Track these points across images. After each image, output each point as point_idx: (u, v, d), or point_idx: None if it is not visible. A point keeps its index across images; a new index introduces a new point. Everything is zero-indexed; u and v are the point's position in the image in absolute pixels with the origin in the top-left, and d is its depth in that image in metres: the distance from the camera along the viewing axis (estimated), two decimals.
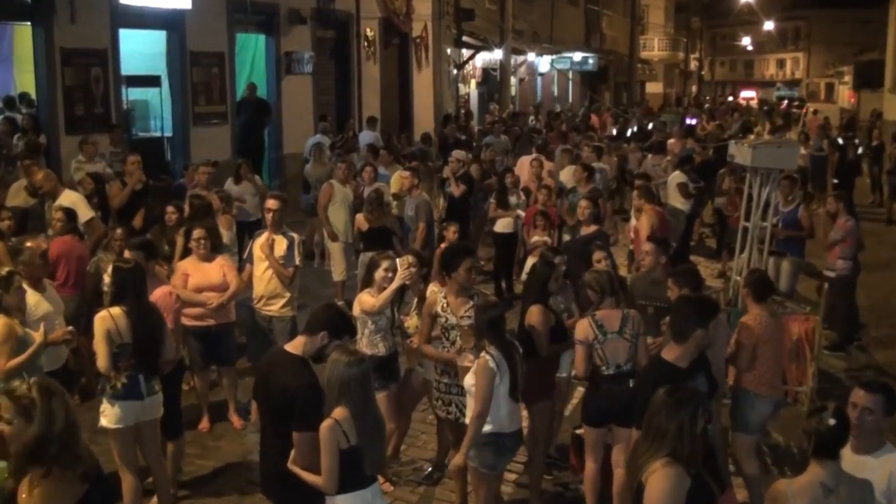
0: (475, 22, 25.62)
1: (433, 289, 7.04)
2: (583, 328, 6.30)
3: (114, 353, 5.93)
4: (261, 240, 8.43)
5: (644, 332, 6.37)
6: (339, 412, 4.56)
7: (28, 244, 7.01)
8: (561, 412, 7.62)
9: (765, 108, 41.68)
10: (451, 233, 9.64)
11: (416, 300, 7.05)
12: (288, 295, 8.27)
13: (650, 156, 16.45)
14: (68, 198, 9.51)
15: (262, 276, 8.32)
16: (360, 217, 10.97)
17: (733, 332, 6.79)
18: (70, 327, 6.69)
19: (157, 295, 6.75)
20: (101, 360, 5.98)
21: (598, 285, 6.40)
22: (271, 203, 8.48)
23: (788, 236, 10.86)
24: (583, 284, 6.65)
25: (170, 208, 9.28)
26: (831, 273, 10.49)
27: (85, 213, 9.38)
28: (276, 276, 8.26)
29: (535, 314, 6.51)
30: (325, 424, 4.55)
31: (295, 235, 8.48)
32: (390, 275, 6.95)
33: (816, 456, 4.17)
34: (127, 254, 6.98)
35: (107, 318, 5.96)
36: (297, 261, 8.39)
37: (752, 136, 18.10)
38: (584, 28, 38.88)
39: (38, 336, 6.01)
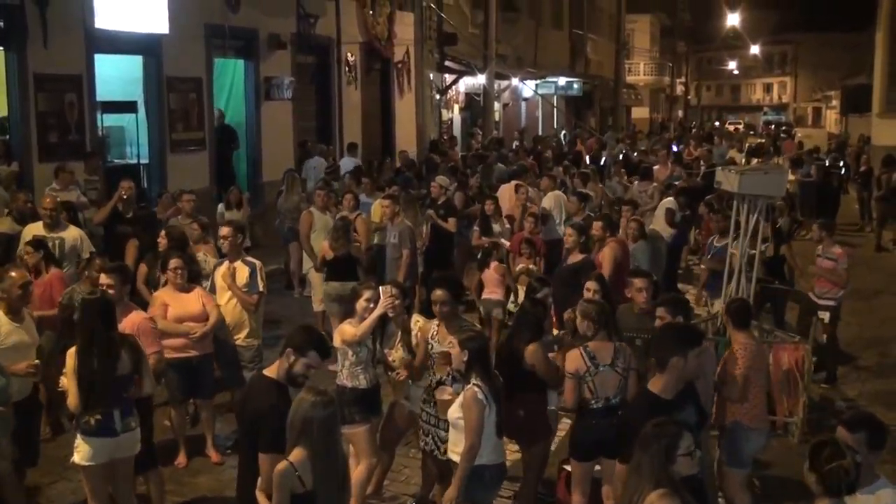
0: (458, 46, 25.80)
1: (417, 319, 7.04)
2: (574, 360, 6.29)
3: (84, 389, 5.89)
4: (222, 269, 8.51)
5: (636, 365, 6.38)
6: (296, 454, 4.39)
7: (12, 273, 6.97)
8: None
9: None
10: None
11: (399, 332, 7.04)
12: (251, 325, 8.35)
13: (636, 182, 16.54)
14: (72, 233, 9.68)
15: (227, 305, 8.38)
16: (324, 245, 10.99)
17: (720, 362, 6.81)
18: (36, 361, 6.66)
19: (135, 321, 6.73)
20: (72, 397, 5.95)
21: (595, 316, 6.40)
22: (224, 231, 8.60)
23: (714, 271, 10.62)
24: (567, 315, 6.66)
25: (162, 233, 9.32)
26: (830, 302, 10.52)
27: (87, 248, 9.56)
28: (241, 305, 8.32)
29: (535, 353, 6.49)
30: (279, 466, 4.40)
31: (256, 262, 8.58)
32: (372, 305, 6.94)
33: (830, 494, 4.20)
34: (103, 278, 6.97)
35: (75, 353, 5.93)
36: (261, 286, 8.45)
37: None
38: (569, 52, 39.19)
39: None
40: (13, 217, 10.20)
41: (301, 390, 4.62)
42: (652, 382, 5.41)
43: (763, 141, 29.33)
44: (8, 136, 13.84)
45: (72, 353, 5.96)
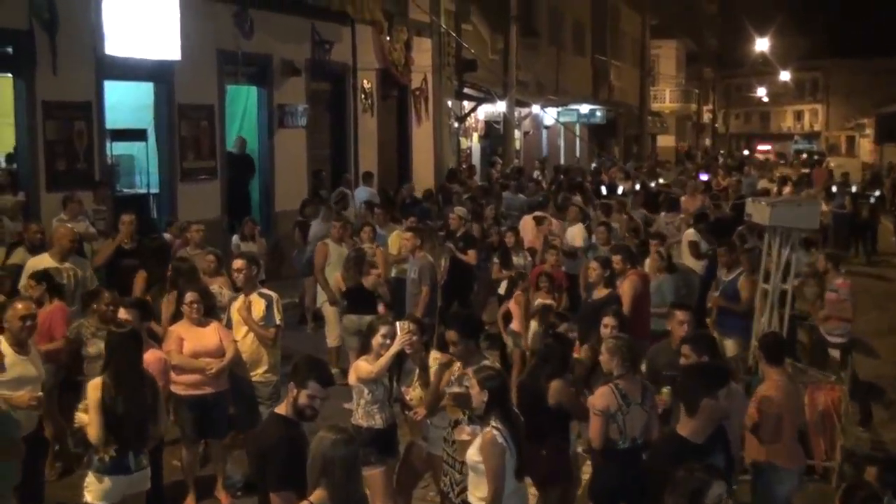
0: (477, 73, 25.92)
1: (435, 356, 7.02)
2: (605, 397, 6.23)
3: (109, 424, 5.93)
4: (237, 303, 8.53)
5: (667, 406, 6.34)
6: (317, 495, 4.40)
7: (17, 304, 7.02)
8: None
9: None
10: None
11: (417, 370, 7.03)
12: (269, 360, 8.33)
13: (663, 213, 16.53)
14: (83, 264, 9.83)
15: (243, 340, 8.39)
16: (336, 276, 11.06)
17: (752, 400, 6.75)
18: (39, 393, 6.70)
19: (149, 360, 6.76)
20: (94, 431, 5.98)
21: (626, 353, 6.37)
22: (238, 263, 8.63)
23: (725, 308, 10.57)
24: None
25: (172, 265, 9.38)
26: (839, 339, 10.41)
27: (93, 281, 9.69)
28: (258, 339, 8.32)
29: (560, 390, 6.46)
30: None
31: (273, 294, 8.59)
32: (388, 341, 6.95)
33: None
34: (122, 313, 7.01)
35: (100, 386, 5.96)
36: (278, 320, 8.46)
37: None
38: (592, 79, 39.31)
39: None
40: (25, 248, 10.27)
41: (321, 428, 4.64)
42: (680, 425, 5.37)
43: (793, 171, 29.26)
44: (15, 165, 14.00)
45: (95, 385, 6.01)
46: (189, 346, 7.90)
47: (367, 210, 15.10)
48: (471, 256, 12.92)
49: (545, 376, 6.53)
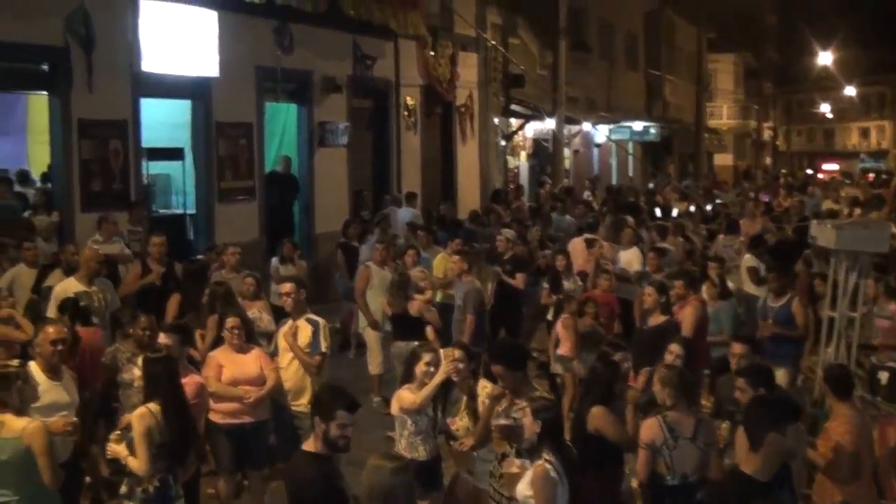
0: (525, 89, 25.95)
1: (484, 385, 7.00)
2: (651, 429, 6.21)
3: (153, 453, 5.98)
4: (284, 328, 8.54)
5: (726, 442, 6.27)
6: None
7: (48, 328, 7.12)
8: None
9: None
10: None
11: (464, 399, 7.01)
12: (313, 389, 8.28)
13: (721, 236, 16.40)
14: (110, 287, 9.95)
15: (288, 367, 8.41)
16: (382, 301, 11.16)
17: (821, 436, 6.65)
18: (73, 419, 6.77)
19: (186, 385, 6.83)
20: (141, 462, 6.04)
21: (677, 384, 6.32)
22: (286, 287, 8.68)
23: (779, 335, 10.43)
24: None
25: (209, 289, 9.44)
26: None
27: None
28: (303, 367, 8.33)
29: (599, 417, 6.43)
30: None
31: (320, 320, 8.61)
32: (432, 369, 6.95)
33: None
34: (162, 337, 7.08)
35: (147, 415, 6.07)
36: (324, 347, 8.49)
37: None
38: (645, 95, 39.19)
39: None
40: (62, 270, 10.41)
41: (371, 457, 4.67)
42: (744, 462, 5.31)
43: (860, 191, 28.77)
44: (50, 185, 14.22)
45: (142, 415, 6.07)
46: (228, 373, 7.94)
47: (410, 232, 15.16)
48: (519, 280, 12.90)
49: (587, 403, 6.52)
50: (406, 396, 6.92)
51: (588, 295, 11.67)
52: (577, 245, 14.70)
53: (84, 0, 13.11)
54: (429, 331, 10.78)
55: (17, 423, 5.93)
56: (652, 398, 6.67)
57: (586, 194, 26.30)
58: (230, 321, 8.12)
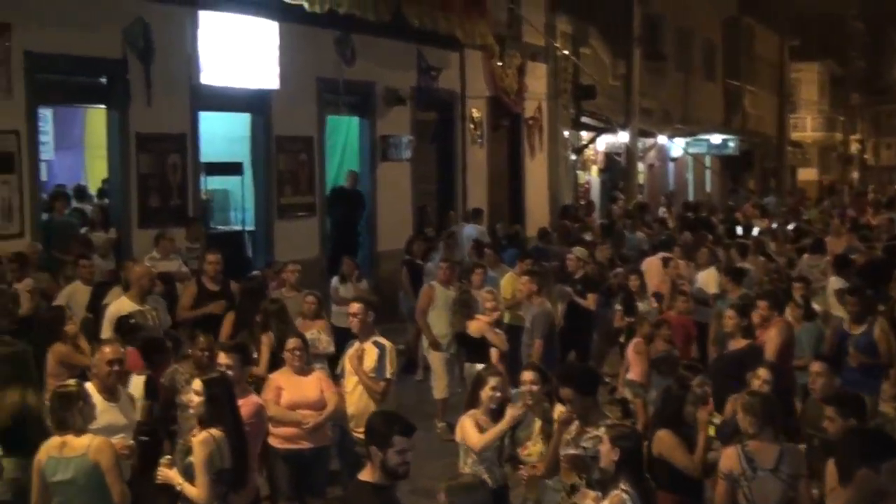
0: (597, 100, 25.85)
1: (561, 409, 6.95)
2: (729, 459, 6.14)
3: (213, 480, 6.06)
4: (351, 350, 8.56)
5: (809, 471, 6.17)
6: None
7: (104, 348, 7.23)
8: None
9: None
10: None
11: (539, 423, 6.96)
12: None
13: (806, 255, 16.17)
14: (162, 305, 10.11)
15: (353, 391, 8.43)
16: (446, 322, 11.25)
17: None
18: (130, 441, 6.86)
19: (245, 406, 6.87)
20: (202, 490, 6.10)
21: (760, 411, 6.23)
22: (355, 307, 8.67)
23: (864, 364, 10.11)
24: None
25: (262, 306, 9.55)
26: None
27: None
28: (367, 392, 8.35)
29: (662, 440, 6.38)
30: None
31: (387, 343, 8.60)
32: (498, 394, 6.93)
33: None
34: (222, 357, 7.14)
35: (210, 441, 6.11)
36: (389, 373, 8.47)
37: None
38: (724, 106, 38.82)
39: None
40: (122, 287, 10.56)
41: (444, 480, 4.70)
42: (832, 497, 5.22)
43: None
44: (107, 200, 14.47)
45: (204, 441, 6.13)
46: (287, 396, 7.97)
47: (475, 250, 15.15)
48: (590, 301, 12.83)
49: (655, 426, 6.47)
50: (469, 434, 6.88)
51: (663, 317, 11.55)
52: (652, 264, 14.57)
53: (143, 12, 13.37)
54: (493, 353, 10.77)
55: (80, 442, 6.04)
56: (737, 427, 6.59)
57: (661, 211, 26.06)
58: (291, 342, 8.15)
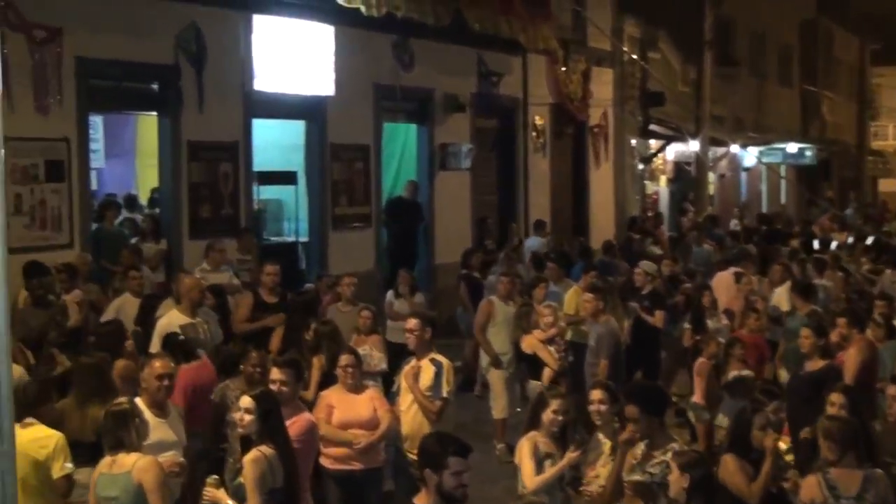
0: (665, 107, 25.72)
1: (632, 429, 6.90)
2: (810, 489, 6.07)
3: (265, 501, 6.09)
4: (407, 368, 8.56)
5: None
6: None
7: (155, 363, 7.32)
8: None
9: None
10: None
11: (608, 444, 6.91)
12: None
13: (889, 271, 15.93)
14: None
15: (408, 410, 8.41)
16: (505, 338, 11.28)
17: None
18: (181, 459, 6.92)
19: (298, 424, 6.90)
20: None
21: (840, 436, 6.14)
22: (412, 323, 8.66)
23: None
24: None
25: (314, 326, 9.56)
26: None
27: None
28: (422, 412, 8.35)
29: (725, 465, 6.32)
30: None
31: (444, 361, 8.58)
32: (560, 418, 6.89)
33: None
34: (275, 373, 7.18)
35: (262, 460, 6.15)
36: (446, 392, 8.44)
37: None
38: (800, 113, 38.40)
39: None
40: (174, 300, 10.65)
41: None
42: None
43: None
44: (157, 210, 14.64)
45: (255, 459, 6.16)
46: (339, 415, 7.98)
47: (532, 264, 15.09)
48: (657, 318, 12.72)
49: (721, 450, 6.43)
50: (525, 465, 6.85)
51: (736, 336, 11.41)
52: (723, 280, 14.43)
53: (196, 16, 13.54)
54: (545, 372, 10.73)
55: (127, 459, 6.13)
56: (814, 453, 6.51)
57: (733, 223, 25.83)
58: (344, 358, 8.15)
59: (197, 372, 8.76)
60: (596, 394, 6.94)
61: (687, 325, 12.53)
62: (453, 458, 5.11)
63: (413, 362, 8.52)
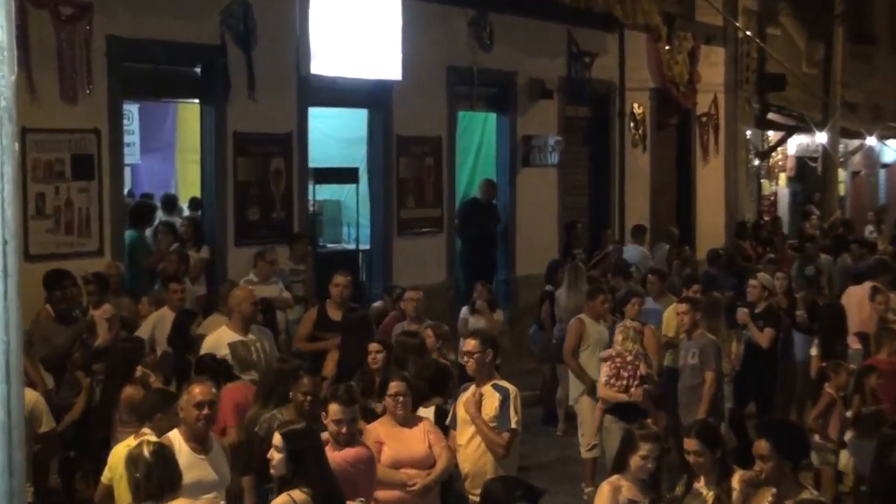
0: (787, 92, 25.47)
1: (741, 475, 6.86)
2: None
3: None
4: (466, 395, 8.53)
5: None
6: None
7: (194, 389, 7.32)
8: None
9: None
10: None
11: (711, 494, 6.85)
12: (497, 474, 8.17)
13: None
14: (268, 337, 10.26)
15: (468, 445, 8.40)
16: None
17: None
18: (222, 502, 6.96)
19: (356, 457, 6.95)
20: None
21: None
22: (471, 344, 8.65)
23: None
24: None
25: (374, 346, 9.53)
26: None
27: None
28: (486, 445, 8.33)
29: None
30: None
31: (510, 387, 8.56)
32: (650, 466, 6.84)
33: None
34: (335, 411, 7.15)
35: None
36: (514, 422, 8.42)
37: None
38: None
39: None
40: (226, 314, 10.73)
41: None
42: None
43: None
44: (200, 213, 14.75)
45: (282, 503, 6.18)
46: (389, 451, 7.92)
47: (620, 275, 14.97)
48: (764, 336, 12.50)
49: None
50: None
51: (871, 362, 11.21)
52: (854, 295, 14.21)
53: None
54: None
55: None
56: None
57: (869, 230, 25.44)
58: (393, 385, 8.07)
59: (243, 392, 8.85)
60: (690, 443, 6.85)
61: (813, 352, 12.40)
62: None
63: (472, 389, 8.50)
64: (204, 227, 14.10)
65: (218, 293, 11.84)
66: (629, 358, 10.82)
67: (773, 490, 6.30)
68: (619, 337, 10.97)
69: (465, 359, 8.74)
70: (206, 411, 7.15)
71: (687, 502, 6.90)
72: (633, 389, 10.68)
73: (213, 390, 7.47)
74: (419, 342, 9.84)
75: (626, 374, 10.75)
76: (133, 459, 6.16)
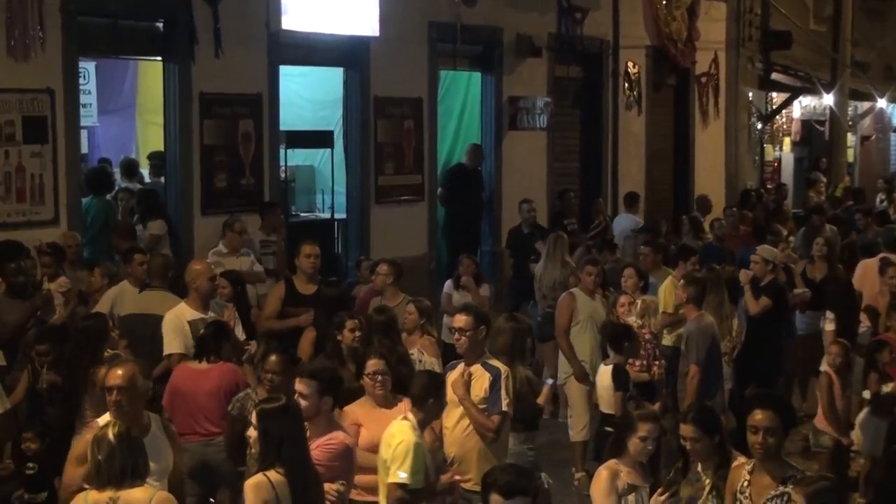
0: (792, 51, 25.47)
1: (742, 461, 6.90)
2: None
3: None
4: (454, 374, 8.53)
5: None
6: None
7: (101, 371, 7.42)
8: None
9: None
10: None
11: (709, 481, 6.91)
12: (487, 459, 8.22)
13: None
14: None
15: (455, 428, 8.44)
16: (591, 342, 11.38)
17: None
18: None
19: (329, 447, 6.96)
20: None
21: None
22: (461, 320, 8.62)
23: None
24: None
25: (349, 324, 9.49)
26: None
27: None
28: (475, 428, 8.37)
29: None
30: None
31: (502, 367, 8.55)
32: (649, 447, 6.90)
33: None
34: (298, 385, 7.20)
35: (264, 486, 6.20)
36: (505, 404, 8.42)
37: None
38: None
39: None
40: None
41: None
42: None
43: None
44: (162, 180, 14.68)
45: (256, 484, 6.23)
46: (368, 434, 7.90)
47: (608, 249, 15.03)
48: (759, 304, 12.55)
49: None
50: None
51: (881, 338, 11.29)
52: (865, 269, 14.26)
53: None
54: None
55: (136, 496, 6.08)
56: None
57: (879, 198, 25.50)
58: (371, 363, 8.09)
59: (217, 374, 8.91)
60: (686, 429, 6.91)
61: (829, 327, 12.48)
62: (496, 496, 5.37)
63: (460, 368, 8.51)
64: (166, 196, 14.03)
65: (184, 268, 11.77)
66: (647, 336, 10.93)
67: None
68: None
69: (456, 336, 8.70)
70: (114, 396, 6.92)
71: (685, 486, 6.96)
72: (654, 369, 10.78)
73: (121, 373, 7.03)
74: (384, 319, 9.78)
75: (645, 354, 10.87)
76: (97, 441, 6.17)
